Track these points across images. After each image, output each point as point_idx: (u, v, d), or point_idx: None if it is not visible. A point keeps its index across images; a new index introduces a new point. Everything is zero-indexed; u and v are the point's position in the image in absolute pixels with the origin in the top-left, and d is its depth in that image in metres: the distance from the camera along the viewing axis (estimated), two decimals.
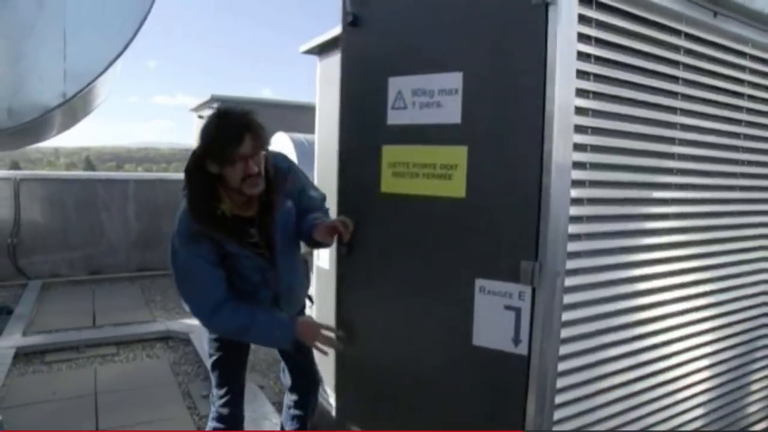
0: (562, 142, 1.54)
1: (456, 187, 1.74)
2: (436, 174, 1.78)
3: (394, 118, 1.87)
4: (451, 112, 1.74)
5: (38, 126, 1.51)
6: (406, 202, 1.86)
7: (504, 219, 1.66)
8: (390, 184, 1.90)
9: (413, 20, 1.83)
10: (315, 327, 2.01)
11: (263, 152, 1.88)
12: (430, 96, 1.78)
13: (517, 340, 1.62)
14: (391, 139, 1.88)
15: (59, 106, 1.42)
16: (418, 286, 1.87)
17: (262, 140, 1.84)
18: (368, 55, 1.95)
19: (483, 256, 1.71)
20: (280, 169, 2.03)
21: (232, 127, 1.78)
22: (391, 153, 1.89)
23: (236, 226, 1.94)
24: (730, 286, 2.30)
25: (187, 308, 2.00)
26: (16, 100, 1.41)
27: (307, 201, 2.19)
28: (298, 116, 6.68)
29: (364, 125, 1.97)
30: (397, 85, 1.85)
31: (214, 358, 2.26)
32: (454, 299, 1.77)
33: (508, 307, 1.64)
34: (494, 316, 1.68)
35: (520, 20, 1.59)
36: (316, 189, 2.33)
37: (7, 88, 1.40)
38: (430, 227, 1.83)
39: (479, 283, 1.70)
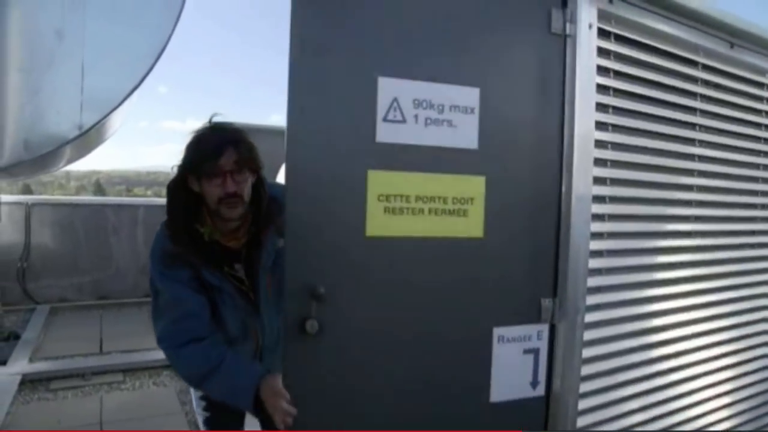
0: (582, 175, 1.51)
1: (473, 226, 1.48)
2: (448, 210, 1.46)
3: (386, 133, 1.42)
4: (466, 135, 1.47)
5: (52, 157, 1.50)
6: (404, 244, 1.47)
7: (522, 257, 1.54)
8: (380, 223, 1.43)
9: (417, 11, 1.47)
10: (279, 394, 1.48)
11: (250, 174, 1.62)
12: (438, 111, 1.44)
13: (535, 383, 1.54)
14: (382, 162, 1.43)
15: (75, 138, 1.42)
16: (426, 344, 1.52)
17: (246, 158, 1.58)
18: (352, 42, 1.43)
19: (502, 302, 1.54)
20: (275, 200, 1.69)
21: (214, 140, 1.58)
22: (381, 181, 1.43)
23: (216, 253, 1.66)
24: (748, 321, 2.25)
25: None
26: (33, 132, 1.40)
27: None
28: None
29: (339, 139, 1.43)
30: (391, 89, 1.42)
31: (204, 417, 1.92)
32: (469, 356, 1.54)
33: (527, 351, 1.52)
34: (513, 364, 1.53)
35: (540, 46, 1.54)
36: None
37: (25, 121, 1.40)
38: (436, 275, 1.50)
39: (497, 332, 1.52)
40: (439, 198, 1.46)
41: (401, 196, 1.44)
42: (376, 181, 1.43)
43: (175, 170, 1.63)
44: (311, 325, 1.39)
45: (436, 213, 1.46)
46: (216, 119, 1.66)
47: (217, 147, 1.55)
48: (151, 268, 1.66)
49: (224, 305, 1.67)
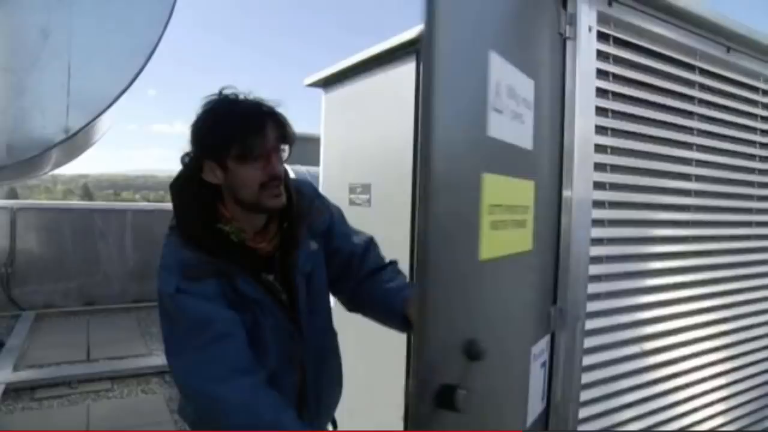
0: (582, 180, 1.49)
1: (528, 237, 1.25)
2: (517, 221, 1.20)
3: (494, 126, 1.08)
4: (527, 133, 1.22)
5: (37, 162, 1.45)
6: (500, 266, 1.15)
7: (539, 267, 1.40)
8: (489, 242, 1.09)
9: None
10: None
11: (286, 154, 1.31)
12: (517, 103, 1.16)
13: (543, 396, 1.47)
14: (492, 163, 1.10)
15: (61, 142, 1.38)
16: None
17: (289, 133, 1.29)
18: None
19: (534, 317, 1.38)
20: (303, 195, 1.42)
21: (250, 112, 1.25)
22: (493, 188, 1.09)
23: (249, 257, 1.30)
24: (746, 325, 2.24)
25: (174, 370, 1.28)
26: (17, 135, 1.36)
27: (347, 244, 1.49)
28: (301, 148, 6.68)
29: (450, 132, 0.94)
30: (497, 69, 1.08)
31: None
32: (516, 384, 1.31)
33: (543, 365, 1.39)
34: (537, 383, 1.37)
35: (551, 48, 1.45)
36: (356, 231, 1.58)
37: (8, 123, 1.35)
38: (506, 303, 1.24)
39: (532, 350, 1.33)
40: (517, 207, 1.20)
41: (503, 206, 1.14)
42: (489, 187, 1.08)
43: (186, 161, 1.32)
44: (463, 398, 0.91)
45: (513, 225, 1.19)
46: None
47: (259, 119, 1.24)
48: (164, 287, 1.21)
49: (264, 325, 1.29)
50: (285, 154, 1.29)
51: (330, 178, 3.20)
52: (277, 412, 1.16)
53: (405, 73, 2.40)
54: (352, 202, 2.86)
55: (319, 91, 3.26)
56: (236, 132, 1.21)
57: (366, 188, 2.73)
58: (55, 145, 1.36)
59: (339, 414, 1.59)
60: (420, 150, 0.88)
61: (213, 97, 1.27)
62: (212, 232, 1.27)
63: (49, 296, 7.16)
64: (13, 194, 7.66)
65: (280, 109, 1.28)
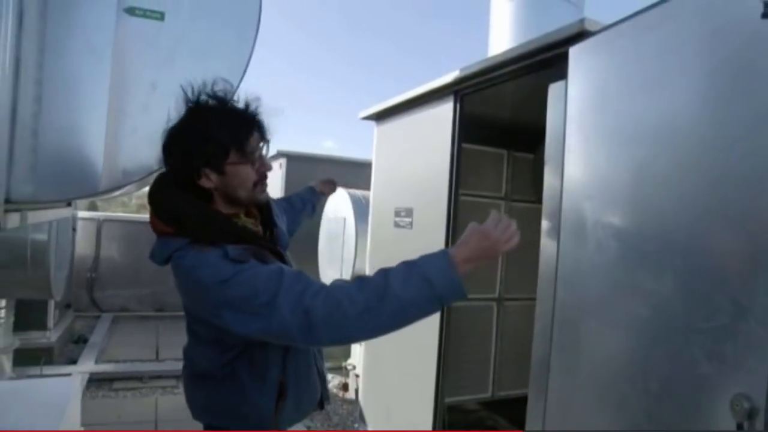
0: None
1: None
2: None
3: None
4: None
5: (139, 183, 1.86)
6: None
7: None
8: None
9: None
10: (485, 237, 1.21)
11: (266, 151, 1.46)
12: None
13: None
14: None
15: (159, 169, 1.77)
16: None
17: (265, 132, 1.42)
18: None
19: None
20: None
21: (241, 117, 1.36)
22: None
23: (260, 240, 1.42)
24: None
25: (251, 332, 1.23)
26: (131, 162, 1.77)
27: (286, 210, 2.05)
28: (359, 172, 7.01)
29: None
30: None
31: None
32: None
33: None
34: None
35: None
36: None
37: (126, 154, 1.76)
38: None
39: None
40: None
41: None
42: None
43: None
44: None
45: None
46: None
47: (250, 122, 1.36)
48: (220, 275, 1.21)
49: None
50: (266, 151, 1.43)
51: (378, 202, 3.54)
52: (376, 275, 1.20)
53: (445, 111, 2.72)
54: (396, 225, 3.18)
55: (372, 123, 3.63)
56: (235, 137, 1.31)
57: (409, 212, 3.04)
58: (154, 171, 1.75)
59: (375, 414, 1.85)
60: None
61: (191, 105, 1.37)
62: (236, 227, 1.36)
63: (125, 301, 7.81)
64: (93, 207, 8.41)
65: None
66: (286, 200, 2.21)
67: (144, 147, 1.73)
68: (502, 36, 3.18)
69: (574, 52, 1.92)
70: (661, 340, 1.59)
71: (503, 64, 2.27)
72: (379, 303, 1.13)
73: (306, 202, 2.24)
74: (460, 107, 2.64)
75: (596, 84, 1.84)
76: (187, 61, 1.81)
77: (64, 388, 2.50)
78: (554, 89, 2.07)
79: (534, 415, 2.03)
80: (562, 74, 2.02)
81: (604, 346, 1.78)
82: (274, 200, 1.79)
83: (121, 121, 1.75)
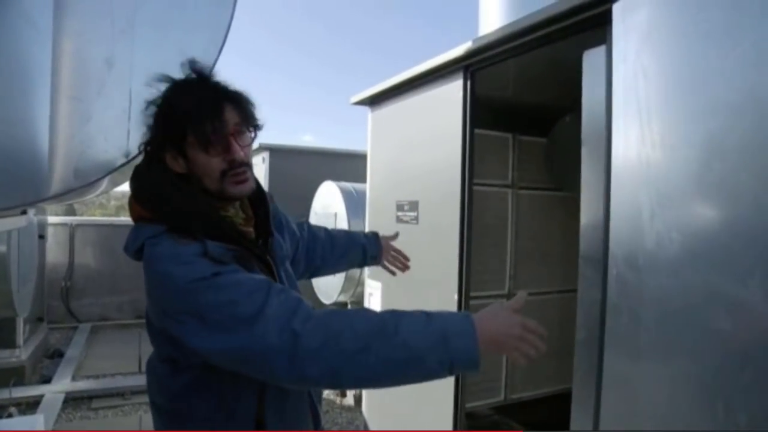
0: None
1: None
2: None
3: None
4: None
5: (99, 183, 1.52)
6: None
7: None
8: None
9: None
10: (515, 324, 1.00)
11: (252, 136, 1.20)
12: None
13: None
14: None
15: (122, 165, 1.43)
16: None
17: (251, 114, 1.19)
18: None
19: None
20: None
21: (204, 96, 1.13)
22: None
23: (250, 243, 1.20)
24: None
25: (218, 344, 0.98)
26: (83, 160, 1.42)
27: (302, 233, 1.61)
28: (345, 164, 6.73)
29: None
30: None
31: None
32: None
33: None
34: None
35: None
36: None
37: (75, 149, 1.41)
38: None
39: None
40: None
41: None
42: None
43: (146, 149, 1.19)
44: None
45: None
46: (261, 143, 1.22)
47: (214, 103, 1.13)
48: (194, 274, 1.00)
49: None
50: (249, 138, 1.18)
51: (377, 195, 3.21)
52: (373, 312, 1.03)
53: (453, 89, 2.39)
54: (399, 220, 2.86)
55: (355, 109, 3.30)
56: (190, 119, 1.10)
57: (413, 205, 2.73)
58: (116, 169, 1.41)
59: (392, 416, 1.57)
60: None
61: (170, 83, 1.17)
62: (221, 220, 1.15)
63: (103, 309, 7.44)
64: (71, 210, 8.00)
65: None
66: (325, 231, 1.73)
67: (99, 139, 1.39)
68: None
69: (619, 8, 1.60)
70: (749, 359, 1.30)
71: (526, 31, 1.95)
72: (382, 345, 0.95)
73: (354, 246, 1.76)
74: (471, 85, 2.31)
75: (648, 46, 1.53)
76: (149, 32, 1.47)
77: (28, 426, 2.18)
78: (591, 57, 1.76)
79: None
80: (598, 39, 1.72)
81: (671, 362, 1.48)
82: (282, 213, 1.49)
83: (70, 109, 1.40)
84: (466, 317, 0.99)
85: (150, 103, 1.16)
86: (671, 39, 1.48)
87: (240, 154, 1.14)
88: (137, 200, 1.15)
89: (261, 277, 1.06)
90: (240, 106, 1.16)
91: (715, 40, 1.38)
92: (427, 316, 0.99)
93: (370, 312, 1.01)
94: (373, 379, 0.98)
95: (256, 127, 1.20)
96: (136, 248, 1.12)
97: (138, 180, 1.16)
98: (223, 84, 1.18)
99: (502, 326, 0.99)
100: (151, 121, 1.16)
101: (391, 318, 0.98)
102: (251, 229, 1.24)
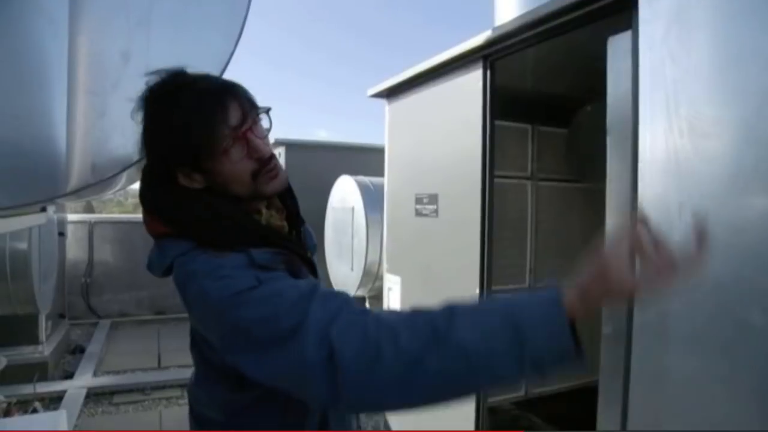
0: None
1: None
2: None
3: None
4: None
5: (117, 179, 1.50)
6: None
7: None
8: None
9: None
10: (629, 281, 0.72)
11: (267, 124, 1.05)
12: None
13: None
14: None
15: (139, 160, 1.41)
16: None
17: (251, 101, 1.02)
18: None
19: None
20: None
21: (199, 101, 0.96)
22: None
23: (290, 242, 1.07)
24: None
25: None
26: (99, 155, 1.40)
27: None
28: (362, 158, 6.68)
29: None
30: None
31: None
32: None
33: None
34: None
35: None
36: None
37: (92, 145, 1.40)
38: None
39: None
40: None
41: None
42: None
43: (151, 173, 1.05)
44: None
45: None
46: (277, 138, 1.06)
47: (217, 103, 0.97)
48: (239, 285, 0.87)
49: None
50: (265, 124, 1.04)
51: (395, 189, 3.18)
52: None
53: (472, 80, 2.35)
54: (418, 213, 2.82)
55: (365, 103, 3.27)
56: (198, 132, 0.95)
57: (433, 198, 2.69)
58: (133, 164, 1.39)
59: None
60: None
61: (145, 93, 1.00)
62: (259, 224, 1.03)
63: (123, 305, 7.50)
64: (89, 207, 8.08)
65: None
66: None
67: (116, 134, 1.37)
68: None
69: None
70: None
71: (547, 18, 1.89)
72: (433, 356, 0.75)
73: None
74: (491, 75, 2.27)
75: (676, 29, 1.48)
76: (166, 27, 1.45)
77: (51, 423, 2.19)
78: (616, 43, 1.71)
79: None
80: (624, 24, 1.67)
81: (702, 357, 1.43)
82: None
83: (86, 104, 1.39)
84: (552, 298, 0.75)
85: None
86: (701, 20, 1.43)
87: (265, 148, 1.01)
88: (155, 216, 1.02)
89: (304, 282, 0.92)
90: (239, 96, 1.00)
91: (749, 19, 1.33)
92: (491, 304, 0.82)
93: (418, 313, 0.82)
94: (423, 396, 0.79)
95: (266, 111, 1.04)
96: (164, 268, 1.01)
97: (152, 198, 1.03)
98: (205, 80, 1.01)
99: (611, 290, 0.73)
100: (143, 140, 1.01)
101: (443, 316, 0.78)
102: (284, 223, 1.12)
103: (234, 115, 0.97)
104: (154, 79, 1.00)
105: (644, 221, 0.76)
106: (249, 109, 1.00)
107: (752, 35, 1.31)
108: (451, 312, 0.79)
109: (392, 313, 0.85)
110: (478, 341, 0.74)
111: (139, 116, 1.00)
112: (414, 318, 0.81)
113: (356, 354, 0.77)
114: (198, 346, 1.07)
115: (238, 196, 1.02)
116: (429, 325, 0.77)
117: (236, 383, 0.98)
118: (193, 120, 0.95)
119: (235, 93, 1.00)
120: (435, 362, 0.75)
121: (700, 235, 0.73)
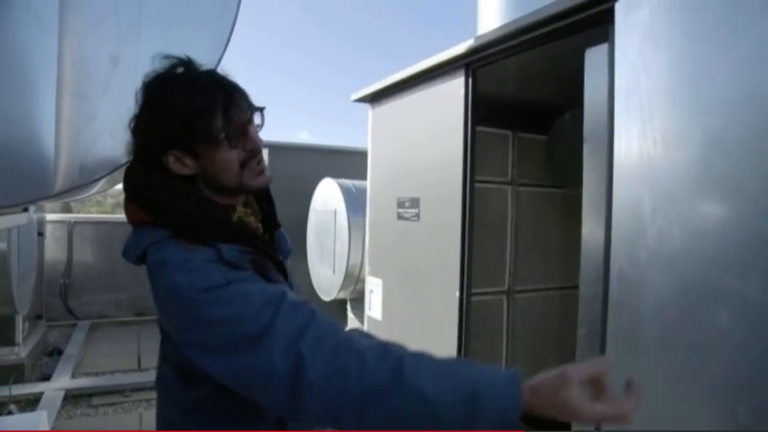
0: None
1: None
2: None
3: None
4: None
5: (99, 180, 1.51)
6: None
7: None
8: None
9: None
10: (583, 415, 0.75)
11: (260, 121, 1.09)
12: None
13: None
14: None
15: (126, 163, 1.43)
16: None
17: (247, 95, 1.07)
18: None
19: None
20: None
21: (207, 85, 1.02)
22: None
23: (262, 243, 1.08)
24: None
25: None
26: (88, 157, 1.42)
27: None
28: (345, 161, 6.70)
29: None
30: None
31: None
32: None
33: None
34: None
35: None
36: None
37: (81, 146, 1.41)
38: None
39: None
40: None
41: None
42: None
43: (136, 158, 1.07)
44: None
45: None
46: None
47: (225, 90, 1.02)
48: (206, 282, 0.89)
49: None
50: (259, 122, 1.08)
51: (377, 192, 3.22)
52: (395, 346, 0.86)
53: (454, 86, 2.40)
54: (400, 216, 2.86)
55: (350, 107, 3.30)
56: (201, 113, 0.99)
57: (415, 202, 2.73)
58: (121, 166, 1.41)
59: None
60: None
61: (150, 78, 1.03)
62: (232, 222, 1.04)
63: (102, 307, 7.41)
64: (67, 207, 7.97)
65: None
66: None
67: (105, 137, 1.39)
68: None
69: (621, 6, 1.61)
70: (748, 356, 1.31)
71: (528, 28, 1.95)
72: (393, 386, 0.77)
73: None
74: (473, 82, 2.32)
75: (650, 43, 1.54)
76: (155, 30, 1.47)
77: (32, 423, 2.18)
78: (593, 55, 1.77)
79: None
80: (600, 37, 1.73)
81: (672, 358, 1.49)
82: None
83: (75, 106, 1.41)
84: (514, 378, 0.78)
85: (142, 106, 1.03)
86: (672, 37, 1.50)
87: (258, 141, 1.06)
88: (137, 205, 1.04)
89: (274, 287, 0.93)
90: (242, 91, 1.06)
91: (716, 38, 1.40)
92: (456, 364, 0.83)
93: (390, 348, 0.83)
94: (378, 427, 0.80)
95: (261, 110, 1.09)
96: (138, 255, 1.01)
97: (135, 185, 1.04)
98: (213, 70, 1.07)
99: (561, 412, 0.76)
100: (137, 124, 1.03)
101: (412, 358, 0.81)
102: (260, 225, 1.15)
103: (238, 105, 1.02)
104: (162, 64, 1.04)
105: (610, 364, 0.81)
106: (249, 103, 1.06)
107: (718, 52, 1.38)
108: (421, 356, 0.82)
109: (364, 337, 0.87)
110: (438, 390, 0.77)
111: (140, 97, 1.03)
112: (385, 349, 0.82)
113: (323, 371, 0.79)
114: (163, 341, 1.07)
115: (224, 186, 1.04)
116: (397, 361, 0.80)
117: (186, 379, 1.00)
118: (201, 101, 0.99)
119: (239, 87, 1.06)
120: (395, 398, 0.77)
121: (633, 396, 0.78)
